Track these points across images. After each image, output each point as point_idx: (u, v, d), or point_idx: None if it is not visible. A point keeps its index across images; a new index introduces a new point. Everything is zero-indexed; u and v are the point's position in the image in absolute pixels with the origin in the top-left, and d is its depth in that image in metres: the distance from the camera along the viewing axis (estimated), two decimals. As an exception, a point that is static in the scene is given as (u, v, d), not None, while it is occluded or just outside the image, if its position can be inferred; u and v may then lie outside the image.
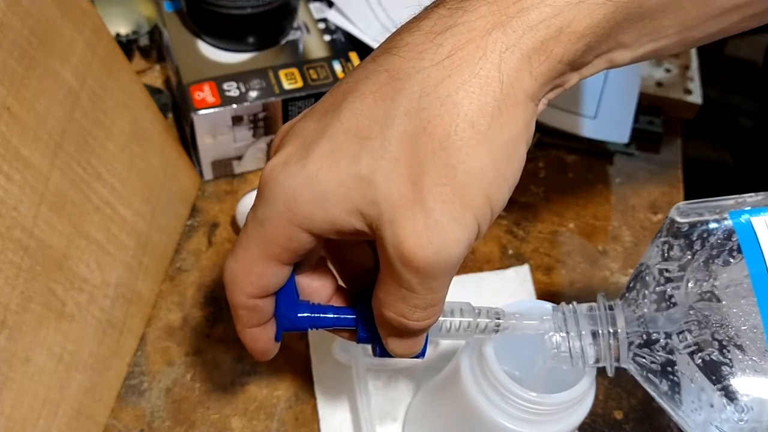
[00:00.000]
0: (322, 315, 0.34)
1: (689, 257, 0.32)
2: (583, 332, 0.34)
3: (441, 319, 0.34)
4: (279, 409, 0.48)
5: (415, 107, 0.27)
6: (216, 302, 0.52)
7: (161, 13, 0.61)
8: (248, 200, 0.52)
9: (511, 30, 0.27)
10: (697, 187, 0.67)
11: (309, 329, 0.34)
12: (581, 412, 0.37)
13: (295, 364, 0.49)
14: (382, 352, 0.33)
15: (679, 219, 0.33)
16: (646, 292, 0.33)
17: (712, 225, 0.32)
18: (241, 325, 0.32)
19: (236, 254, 0.31)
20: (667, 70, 0.69)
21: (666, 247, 0.33)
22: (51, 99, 0.39)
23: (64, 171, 0.40)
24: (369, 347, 0.34)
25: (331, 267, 0.36)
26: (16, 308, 0.37)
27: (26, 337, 0.38)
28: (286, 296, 0.33)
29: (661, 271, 0.32)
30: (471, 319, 0.34)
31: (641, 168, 0.64)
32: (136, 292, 0.49)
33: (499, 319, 0.34)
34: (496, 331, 0.34)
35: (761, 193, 0.33)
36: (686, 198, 0.62)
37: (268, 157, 0.59)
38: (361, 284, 0.34)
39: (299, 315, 0.33)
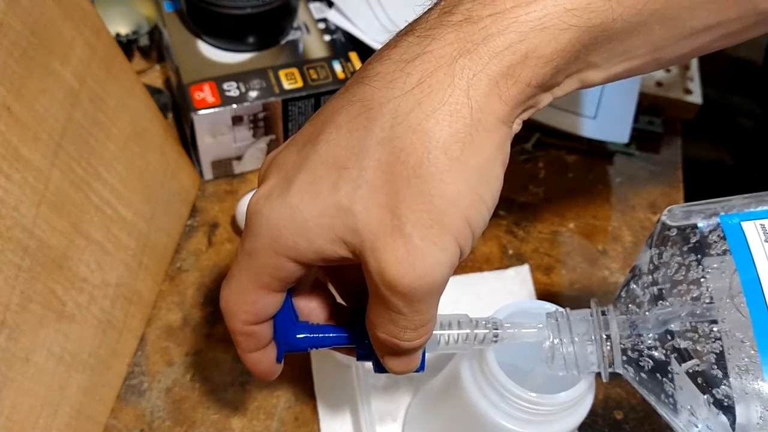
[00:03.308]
0: (320, 335, 0.34)
1: (680, 261, 0.32)
2: (576, 338, 0.34)
3: (438, 332, 0.34)
4: (279, 409, 0.48)
5: (388, 136, 0.27)
6: (216, 302, 0.52)
7: (161, 13, 0.61)
8: (248, 200, 0.52)
9: (477, 56, 0.27)
10: (697, 187, 0.68)
11: (309, 349, 0.34)
12: (581, 412, 0.37)
13: (295, 364, 0.49)
14: (381, 368, 0.33)
15: (670, 223, 0.33)
16: (638, 297, 0.33)
17: (703, 229, 0.32)
18: (242, 351, 0.33)
19: (229, 284, 0.32)
20: (667, 70, 0.69)
21: (657, 251, 0.33)
22: (51, 99, 0.39)
23: (64, 171, 0.40)
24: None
25: (330, 286, 0.36)
26: (16, 308, 0.37)
27: (26, 337, 0.38)
28: (283, 319, 0.33)
29: (652, 276, 0.32)
30: (468, 331, 0.34)
31: (641, 168, 0.64)
32: (136, 292, 0.49)
33: (497, 329, 0.34)
34: (495, 342, 0.34)
35: (749, 195, 0.33)
36: (686, 198, 0.62)
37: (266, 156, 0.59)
38: (360, 302, 0.34)
39: (298, 336, 0.34)
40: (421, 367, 0.33)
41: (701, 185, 0.74)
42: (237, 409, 0.48)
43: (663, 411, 0.32)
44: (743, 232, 0.31)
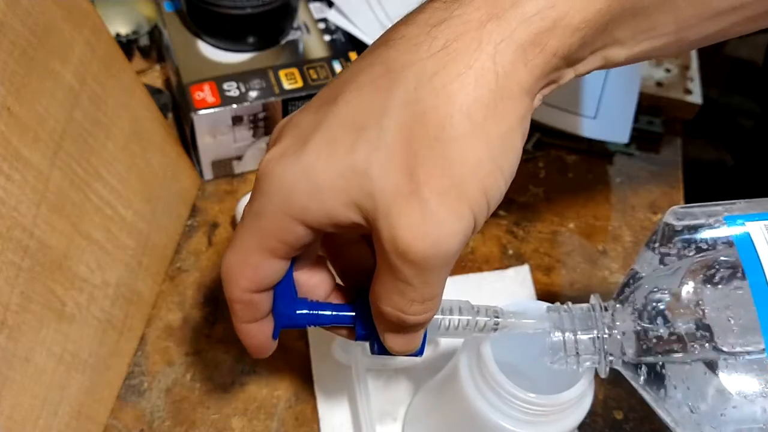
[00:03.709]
0: (320, 312, 0.33)
1: (684, 261, 0.32)
2: (578, 333, 0.34)
3: (440, 317, 0.34)
4: (279, 409, 0.48)
5: (411, 98, 0.27)
6: (216, 302, 0.52)
7: (161, 13, 0.61)
8: (248, 200, 0.52)
9: (505, 22, 0.27)
10: (697, 187, 0.68)
11: (307, 326, 0.34)
12: (580, 412, 0.37)
13: (295, 364, 0.49)
14: (380, 349, 0.33)
15: (674, 222, 0.33)
16: (640, 294, 0.33)
17: (708, 230, 0.32)
18: (238, 320, 0.32)
19: (233, 247, 0.31)
20: (667, 70, 0.69)
21: (659, 251, 0.33)
22: (51, 99, 0.39)
23: (64, 171, 0.40)
24: (367, 345, 0.34)
25: (330, 266, 0.36)
26: (16, 308, 0.37)
27: (26, 337, 0.38)
28: (283, 292, 0.32)
29: (655, 274, 0.32)
30: (470, 318, 0.34)
31: (641, 168, 0.64)
32: (136, 292, 0.49)
33: (497, 317, 0.34)
34: (495, 330, 0.34)
35: (750, 200, 0.33)
36: (686, 198, 0.62)
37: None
38: (360, 282, 0.34)
39: (297, 312, 0.33)
40: (420, 351, 0.33)
41: (701, 185, 0.74)
42: (237, 409, 0.48)
43: (661, 409, 0.32)
44: (748, 232, 0.31)
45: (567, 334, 0.34)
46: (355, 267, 0.35)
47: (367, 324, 0.32)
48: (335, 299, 0.35)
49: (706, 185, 0.80)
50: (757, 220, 0.31)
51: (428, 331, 0.33)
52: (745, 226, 0.31)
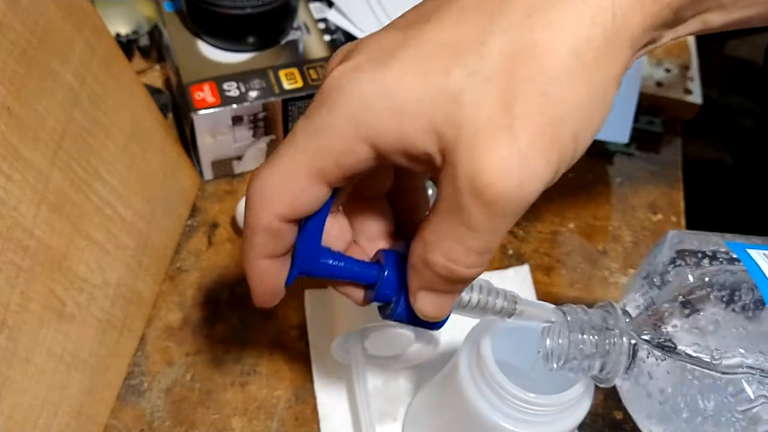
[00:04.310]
0: (344, 264, 0.31)
1: (689, 280, 0.32)
2: (593, 331, 0.33)
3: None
4: (279, 409, 0.48)
5: (518, 27, 0.25)
6: (216, 302, 0.52)
7: (161, 13, 0.61)
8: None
9: None
10: (697, 187, 0.68)
11: (325, 278, 0.31)
12: (580, 412, 0.37)
13: (295, 364, 0.49)
14: (401, 312, 0.30)
15: (676, 246, 0.33)
16: (647, 311, 0.33)
17: (711, 251, 0.32)
18: (254, 255, 0.29)
19: (274, 165, 0.27)
20: (667, 70, 0.69)
21: (663, 273, 0.33)
22: (51, 99, 0.39)
23: (64, 171, 0.40)
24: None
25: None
26: (16, 308, 0.37)
27: (26, 337, 0.38)
28: (312, 231, 0.29)
29: (674, 297, 0.32)
30: (490, 298, 0.32)
31: (641, 168, 0.64)
32: (137, 292, 0.49)
33: (515, 303, 0.33)
34: (511, 315, 0.33)
35: (741, 236, 0.34)
36: (686, 197, 0.62)
37: (266, 156, 0.59)
38: (379, 244, 0.33)
39: (321, 260, 0.30)
40: (442, 322, 0.31)
41: (701, 185, 0.74)
42: (237, 409, 0.48)
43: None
44: (750, 255, 0.31)
45: (583, 338, 0.33)
46: (374, 225, 0.33)
47: (391, 284, 0.30)
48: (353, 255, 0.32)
49: (706, 185, 0.80)
50: (755, 249, 0.32)
51: None
52: (746, 251, 0.32)
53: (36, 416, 0.39)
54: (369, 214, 0.33)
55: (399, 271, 0.30)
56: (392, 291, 0.30)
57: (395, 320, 0.31)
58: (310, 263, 0.30)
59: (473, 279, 0.28)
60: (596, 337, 0.33)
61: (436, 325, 0.31)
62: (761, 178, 0.94)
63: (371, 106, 0.25)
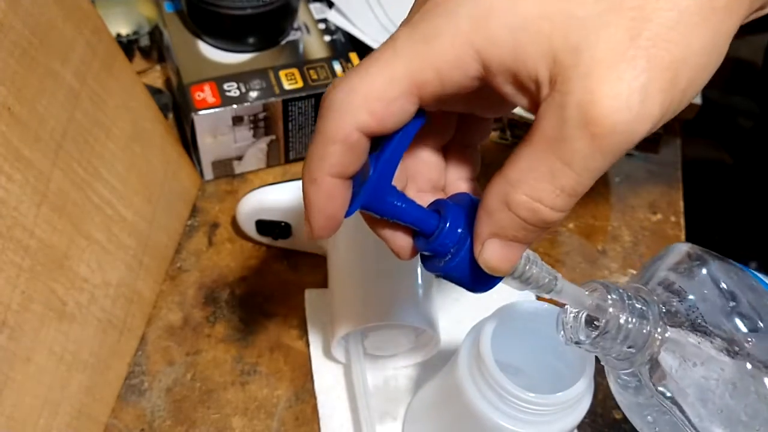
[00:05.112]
0: (406, 207, 0.28)
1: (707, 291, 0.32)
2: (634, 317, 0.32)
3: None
4: (279, 409, 0.48)
5: None
6: (216, 302, 0.52)
7: (162, 13, 0.61)
8: (248, 200, 0.52)
9: None
10: (697, 187, 0.68)
11: (384, 216, 0.29)
12: (580, 412, 0.37)
13: (295, 364, 0.50)
14: (459, 263, 0.28)
15: (687, 257, 0.34)
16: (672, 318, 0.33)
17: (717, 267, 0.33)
18: (324, 169, 0.26)
19: (366, 69, 0.25)
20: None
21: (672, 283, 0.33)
22: (52, 99, 0.39)
23: (65, 171, 0.40)
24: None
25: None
26: (17, 308, 0.37)
27: (27, 337, 0.38)
28: (390, 158, 0.27)
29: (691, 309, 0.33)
30: (535, 270, 0.31)
31: (641, 168, 0.64)
32: (137, 291, 0.49)
33: (556, 280, 0.32)
34: (549, 291, 0.32)
35: None
36: (685, 197, 0.62)
37: (266, 156, 0.59)
38: (428, 198, 0.31)
39: (387, 197, 0.28)
40: (497, 280, 0.29)
41: (700, 185, 0.74)
42: (237, 409, 0.48)
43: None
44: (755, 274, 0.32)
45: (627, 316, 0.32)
46: (426, 176, 0.32)
47: (452, 234, 0.28)
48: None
49: (706, 185, 0.80)
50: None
51: None
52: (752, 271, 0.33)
53: (37, 416, 0.39)
54: (423, 165, 0.31)
55: (460, 221, 0.29)
56: (452, 241, 0.28)
57: (446, 274, 0.29)
58: (379, 196, 0.28)
59: (555, 225, 0.27)
60: (635, 319, 0.33)
61: (487, 284, 0.29)
62: (761, 178, 0.94)
63: (492, 17, 0.24)
